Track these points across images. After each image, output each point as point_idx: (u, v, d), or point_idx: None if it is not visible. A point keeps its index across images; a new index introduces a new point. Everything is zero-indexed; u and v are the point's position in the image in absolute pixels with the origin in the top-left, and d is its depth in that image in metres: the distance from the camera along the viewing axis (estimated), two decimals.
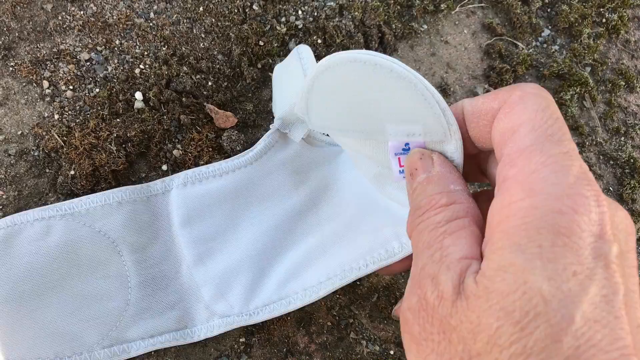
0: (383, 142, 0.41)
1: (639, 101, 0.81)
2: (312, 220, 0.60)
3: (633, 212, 0.74)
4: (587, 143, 0.76)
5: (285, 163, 0.60)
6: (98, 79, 0.67)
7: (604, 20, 0.84)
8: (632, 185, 0.75)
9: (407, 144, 0.39)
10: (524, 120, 0.30)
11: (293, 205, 0.59)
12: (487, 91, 0.76)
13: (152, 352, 0.59)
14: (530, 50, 0.80)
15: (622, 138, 0.78)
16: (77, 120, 0.65)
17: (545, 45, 0.81)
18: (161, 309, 0.57)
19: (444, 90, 0.75)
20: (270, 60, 0.71)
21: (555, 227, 0.25)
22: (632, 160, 0.76)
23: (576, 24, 0.82)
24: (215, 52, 0.70)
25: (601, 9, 0.84)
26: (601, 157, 0.77)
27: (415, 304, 0.30)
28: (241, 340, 0.61)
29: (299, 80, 0.57)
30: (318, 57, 0.71)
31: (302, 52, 0.58)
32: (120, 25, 0.69)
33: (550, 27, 0.82)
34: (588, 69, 0.80)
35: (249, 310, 0.56)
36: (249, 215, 0.59)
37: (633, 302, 0.26)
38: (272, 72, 0.71)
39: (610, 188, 0.75)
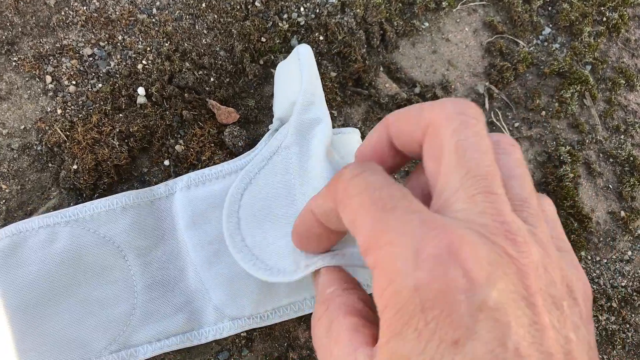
0: None
1: (639, 100, 0.81)
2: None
3: (632, 210, 0.75)
4: (587, 141, 0.77)
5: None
6: (101, 74, 0.67)
7: (604, 18, 0.84)
8: (632, 183, 0.75)
9: None
10: (354, 209, 0.30)
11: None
12: (489, 89, 0.76)
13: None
14: (531, 49, 0.80)
15: (622, 136, 0.79)
16: (80, 115, 0.65)
17: (546, 44, 0.81)
18: (168, 312, 0.57)
19: (445, 88, 0.75)
20: (272, 57, 0.71)
21: (422, 304, 0.24)
22: (631, 158, 0.77)
23: (577, 23, 0.82)
24: (218, 49, 0.71)
25: (602, 8, 0.84)
26: (601, 154, 0.77)
27: None
28: (242, 334, 0.61)
29: (297, 81, 0.57)
30: (319, 54, 0.72)
31: (301, 53, 0.58)
32: (123, 21, 0.70)
33: (551, 25, 0.82)
34: (588, 67, 0.81)
35: (260, 313, 0.57)
36: None
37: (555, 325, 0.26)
38: (274, 69, 0.71)
39: (610, 185, 0.76)
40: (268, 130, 0.61)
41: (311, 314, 0.56)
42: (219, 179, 0.59)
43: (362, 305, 0.33)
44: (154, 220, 0.58)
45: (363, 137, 0.70)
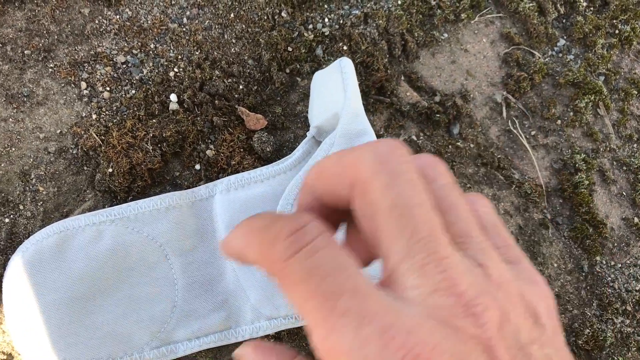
0: None
1: None
2: None
3: None
4: (601, 149, 0.79)
5: None
6: (134, 81, 0.70)
7: (617, 31, 0.87)
8: None
9: None
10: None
11: None
12: (506, 99, 0.79)
13: None
14: (547, 59, 0.83)
15: (635, 145, 0.81)
16: (115, 120, 0.67)
17: (560, 55, 0.84)
18: (207, 311, 0.59)
19: (464, 97, 0.77)
20: (298, 66, 0.73)
21: None
22: None
23: (590, 35, 0.85)
24: (246, 57, 0.73)
25: (614, 21, 0.87)
26: (615, 162, 0.79)
27: None
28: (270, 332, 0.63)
29: (338, 94, 0.59)
30: None
31: (344, 67, 0.60)
32: (155, 30, 0.72)
33: (565, 37, 0.85)
34: (602, 78, 0.83)
35: (295, 314, 0.59)
36: None
37: None
38: (300, 77, 0.73)
39: (624, 192, 0.78)
40: (295, 136, 0.63)
41: None
42: (258, 183, 0.61)
43: None
44: (195, 221, 0.61)
45: None
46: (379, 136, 0.73)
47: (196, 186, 0.66)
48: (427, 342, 0.23)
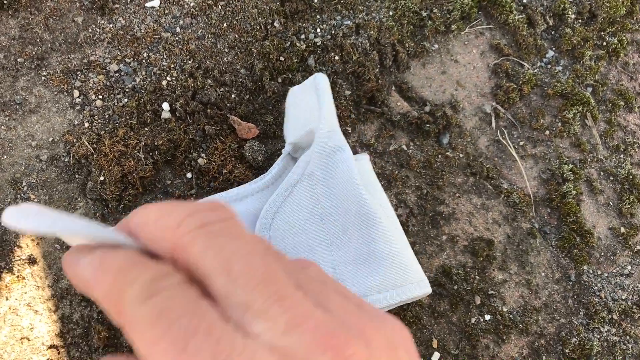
0: None
1: (638, 120, 0.85)
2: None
3: (632, 226, 0.78)
4: (589, 159, 0.80)
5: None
6: (127, 90, 0.70)
7: (604, 43, 0.88)
8: (631, 201, 0.79)
9: None
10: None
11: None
12: (495, 109, 0.80)
13: None
14: (536, 70, 0.84)
15: (622, 155, 0.82)
16: (107, 129, 0.68)
17: (549, 66, 0.85)
18: None
19: (454, 107, 0.78)
20: (290, 75, 0.74)
21: None
22: (631, 177, 0.80)
23: (578, 47, 0.86)
24: (238, 66, 0.74)
25: (602, 33, 0.88)
26: (602, 173, 0.80)
27: None
28: None
29: (313, 110, 0.59)
30: (335, 73, 0.75)
31: (319, 83, 0.59)
32: (148, 39, 0.72)
33: (554, 48, 0.86)
34: (589, 89, 0.84)
35: None
36: None
37: None
38: (292, 87, 0.74)
39: (611, 202, 0.79)
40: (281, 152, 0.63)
41: None
42: (236, 202, 0.61)
43: None
44: None
45: (375, 152, 0.73)
46: (369, 146, 0.74)
47: (187, 196, 0.67)
48: None
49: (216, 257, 0.25)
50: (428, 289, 0.57)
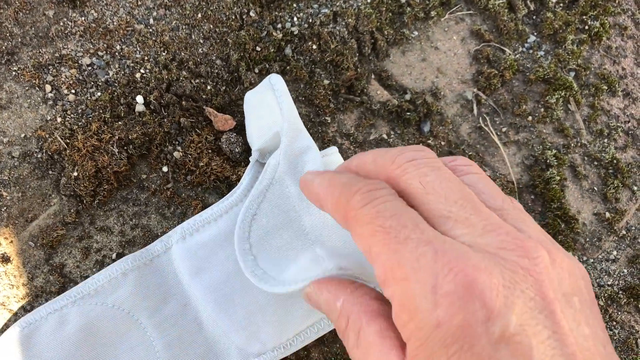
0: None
1: (621, 104, 0.84)
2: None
3: (617, 211, 0.77)
4: (572, 145, 0.79)
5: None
6: (100, 83, 0.69)
7: (586, 27, 0.87)
8: (616, 185, 0.78)
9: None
10: (367, 239, 0.31)
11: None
12: (477, 96, 0.79)
13: None
14: (517, 56, 0.83)
15: (606, 140, 0.81)
16: (80, 123, 0.66)
17: (531, 51, 0.84)
18: None
19: (435, 94, 0.77)
20: (267, 65, 0.73)
21: (443, 340, 0.26)
22: (615, 161, 0.79)
23: (560, 31, 0.85)
24: (214, 57, 0.72)
25: (584, 17, 0.87)
26: (586, 158, 0.79)
27: None
28: None
29: (274, 112, 0.57)
30: (312, 63, 0.74)
31: (275, 84, 0.58)
32: (121, 31, 0.71)
33: (535, 33, 0.85)
34: (572, 73, 0.84)
35: (282, 344, 0.57)
36: None
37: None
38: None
39: (595, 188, 0.78)
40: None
41: (329, 331, 0.58)
42: (211, 224, 0.59)
43: (378, 305, 0.34)
44: (156, 278, 0.59)
45: (355, 141, 0.72)
46: (349, 135, 0.72)
47: (163, 190, 0.66)
48: (475, 264, 0.26)
49: (423, 181, 0.31)
50: None
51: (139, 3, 0.73)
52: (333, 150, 0.65)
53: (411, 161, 0.32)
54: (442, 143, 0.75)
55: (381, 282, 0.29)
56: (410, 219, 0.29)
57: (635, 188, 0.79)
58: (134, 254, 0.59)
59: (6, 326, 0.59)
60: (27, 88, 0.67)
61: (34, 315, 0.56)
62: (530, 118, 0.79)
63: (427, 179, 0.31)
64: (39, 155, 0.65)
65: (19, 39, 0.69)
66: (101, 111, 0.67)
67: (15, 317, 0.60)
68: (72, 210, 0.64)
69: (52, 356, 0.54)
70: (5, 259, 0.61)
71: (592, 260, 0.75)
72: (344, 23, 0.77)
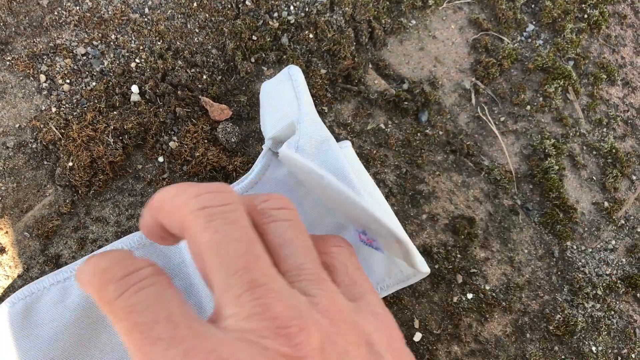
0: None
1: (620, 94, 0.84)
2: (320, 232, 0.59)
3: (616, 200, 0.77)
4: (571, 134, 0.79)
5: (285, 180, 0.60)
6: (94, 73, 0.68)
7: (585, 15, 0.86)
8: (614, 175, 0.77)
9: (364, 230, 0.43)
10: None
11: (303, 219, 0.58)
12: (475, 85, 0.78)
13: None
14: (516, 45, 0.82)
15: (605, 129, 0.81)
16: (75, 113, 0.66)
17: (529, 40, 0.83)
18: None
19: (433, 84, 0.77)
20: (264, 55, 0.72)
21: None
22: (614, 151, 0.79)
23: (559, 19, 0.84)
24: (210, 47, 0.72)
25: (583, 5, 0.86)
26: (584, 147, 0.79)
27: None
28: None
29: (291, 103, 0.57)
30: (309, 52, 0.73)
31: (293, 74, 0.57)
32: (116, 21, 0.70)
33: (534, 22, 0.84)
34: (571, 62, 0.83)
35: None
36: None
37: None
38: (265, 66, 0.72)
39: (594, 177, 0.78)
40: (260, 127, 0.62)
41: None
42: None
43: None
44: (161, 259, 0.58)
45: (353, 131, 0.72)
46: (346, 125, 0.72)
47: (159, 180, 0.65)
48: (226, 358, 0.24)
49: (212, 239, 0.28)
50: (427, 269, 0.55)
51: None
52: (347, 144, 0.64)
53: (203, 209, 0.28)
54: (440, 133, 0.74)
55: None
56: (165, 310, 0.26)
57: (634, 177, 0.79)
58: (141, 232, 0.59)
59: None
60: (21, 78, 0.67)
61: (37, 284, 0.56)
62: (528, 107, 0.79)
63: (216, 236, 0.27)
64: (33, 146, 0.65)
65: (13, 29, 0.68)
66: (96, 101, 0.67)
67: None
68: (67, 201, 0.63)
69: (52, 327, 0.54)
70: (1, 250, 0.61)
71: (590, 250, 0.74)
72: (341, 12, 0.76)
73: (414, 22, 0.80)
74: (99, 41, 0.69)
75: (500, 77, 0.80)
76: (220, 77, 0.70)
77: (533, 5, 0.85)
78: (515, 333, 0.67)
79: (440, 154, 0.73)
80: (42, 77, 0.67)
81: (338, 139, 0.70)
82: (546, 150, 0.76)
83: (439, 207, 0.71)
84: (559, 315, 0.70)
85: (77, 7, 0.70)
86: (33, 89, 0.66)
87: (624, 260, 0.75)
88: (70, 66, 0.68)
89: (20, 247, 0.61)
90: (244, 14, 0.74)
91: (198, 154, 0.66)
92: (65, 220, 0.63)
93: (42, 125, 0.65)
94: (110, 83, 0.67)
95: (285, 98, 0.58)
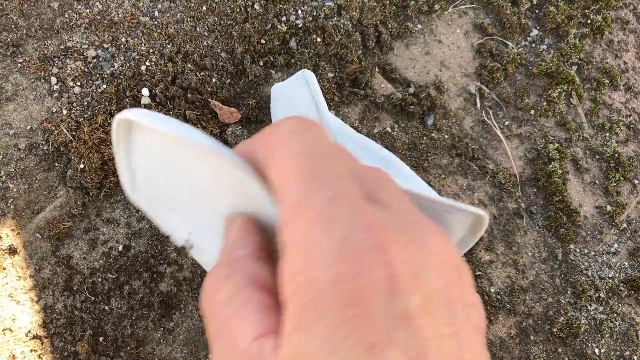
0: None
1: (623, 98, 0.85)
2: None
3: (618, 204, 0.78)
4: (574, 138, 0.80)
5: None
6: (105, 76, 0.69)
7: (589, 21, 0.87)
8: (617, 179, 0.78)
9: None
10: (286, 170, 0.28)
11: None
12: (480, 89, 0.79)
13: (162, 339, 0.61)
14: (520, 50, 0.83)
15: (607, 134, 0.82)
16: (86, 116, 0.67)
17: (534, 45, 0.84)
18: None
19: (438, 88, 0.78)
20: (272, 58, 0.73)
21: (339, 299, 0.22)
22: (616, 155, 0.80)
23: (563, 25, 0.85)
24: (219, 50, 0.73)
25: (586, 11, 0.87)
26: (587, 151, 0.80)
27: None
28: None
29: (309, 107, 0.57)
30: (317, 56, 0.74)
31: (309, 79, 0.57)
32: (126, 24, 0.71)
33: (538, 27, 0.85)
34: (574, 67, 0.84)
35: None
36: None
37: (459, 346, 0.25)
38: (274, 70, 0.73)
39: (597, 181, 0.79)
40: None
41: None
42: None
43: (274, 284, 0.29)
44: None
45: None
46: (353, 128, 0.73)
47: None
48: (393, 236, 0.22)
49: (293, 161, 0.25)
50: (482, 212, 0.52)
51: None
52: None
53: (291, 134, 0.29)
54: (446, 136, 0.75)
55: (284, 222, 0.24)
56: (340, 162, 0.23)
57: (636, 181, 0.80)
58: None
59: (13, 316, 0.59)
60: (32, 80, 0.67)
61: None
62: (532, 112, 0.80)
63: (306, 149, 0.27)
64: (45, 148, 0.65)
65: (24, 31, 0.69)
66: (107, 103, 0.67)
67: (22, 307, 0.60)
68: (78, 203, 0.64)
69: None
70: (12, 251, 0.61)
71: (593, 253, 0.75)
72: (348, 16, 0.77)
73: (420, 26, 0.81)
74: (110, 44, 0.70)
75: (504, 81, 0.81)
76: (229, 81, 0.71)
77: (537, 11, 0.86)
78: (519, 335, 0.68)
79: (446, 157, 0.74)
80: (53, 80, 0.67)
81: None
82: (550, 154, 0.77)
83: None
84: (562, 318, 0.71)
85: (88, 10, 0.71)
86: (44, 91, 0.67)
87: (626, 263, 0.76)
88: (81, 69, 0.68)
89: (32, 248, 0.62)
90: (253, 17, 0.74)
91: None
92: (76, 222, 0.63)
93: (53, 128, 0.65)
94: (121, 86, 0.68)
95: (301, 102, 0.58)
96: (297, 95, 0.59)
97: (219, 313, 0.28)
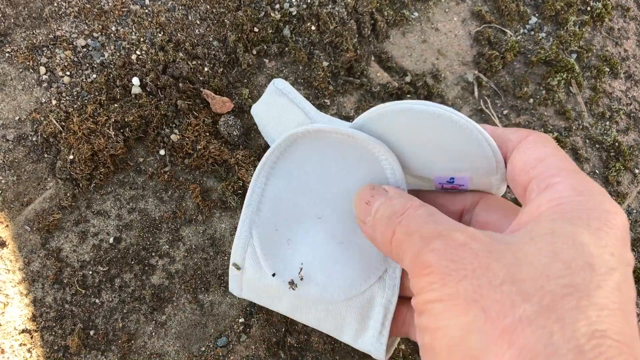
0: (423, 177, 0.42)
1: (623, 87, 0.83)
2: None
3: (618, 194, 0.77)
4: (574, 127, 0.78)
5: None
6: (95, 65, 0.67)
7: (588, 8, 0.86)
8: (617, 168, 0.77)
9: (452, 178, 0.42)
10: (548, 154, 0.34)
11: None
12: (478, 78, 0.78)
13: (153, 332, 0.60)
14: (518, 37, 0.82)
15: (607, 122, 0.80)
16: (75, 106, 0.65)
17: (532, 33, 0.83)
18: None
19: (435, 77, 0.76)
20: (265, 47, 0.72)
21: (601, 217, 0.30)
22: (617, 144, 0.78)
23: (562, 12, 0.84)
24: (211, 39, 0.71)
25: None
26: (587, 141, 0.79)
27: (440, 246, 0.32)
28: (240, 320, 0.62)
29: (294, 113, 0.53)
30: (311, 44, 0.72)
31: (283, 88, 0.54)
32: (116, 12, 0.70)
33: (537, 14, 0.84)
34: (574, 55, 0.82)
35: None
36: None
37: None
38: (267, 59, 0.72)
39: (597, 171, 0.77)
40: None
41: None
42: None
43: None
44: None
45: None
46: (348, 118, 0.71)
47: (161, 173, 0.65)
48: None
49: (553, 151, 0.34)
50: None
51: None
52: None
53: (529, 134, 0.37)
54: None
55: (553, 184, 0.33)
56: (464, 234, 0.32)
57: (637, 171, 0.79)
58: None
59: (2, 310, 0.58)
60: (21, 70, 0.66)
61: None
62: (531, 100, 0.78)
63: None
64: (33, 138, 0.64)
65: (12, 20, 0.67)
66: (97, 93, 0.66)
67: (12, 300, 0.59)
68: (68, 194, 0.63)
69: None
70: (1, 244, 0.60)
71: None
72: (343, 3, 0.75)
73: (416, 14, 0.79)
74: (99, 33, 0.69)
75: (503, 69, 0.79)
76: (221, 70, 0.70)
77: None
78: None
79: None
80: (42, 69, 0.66)
81: None
82: None
83: None
84: None
85: None
86: (33, 81, 0.66)
87: None
88: (70, 58, 0.67)
89: (21, 240, 0.61)
90: (246, 5, 0.73)
91: (200, 147, 0.65)
92: (66, 214, 0.62)
93: (42, 118, 0.64)
94: (111, 75, 0.67)
95: (285, 112, 0.55)
96: (278, 108, 0.55)
97: (418, 218, 0.35)
